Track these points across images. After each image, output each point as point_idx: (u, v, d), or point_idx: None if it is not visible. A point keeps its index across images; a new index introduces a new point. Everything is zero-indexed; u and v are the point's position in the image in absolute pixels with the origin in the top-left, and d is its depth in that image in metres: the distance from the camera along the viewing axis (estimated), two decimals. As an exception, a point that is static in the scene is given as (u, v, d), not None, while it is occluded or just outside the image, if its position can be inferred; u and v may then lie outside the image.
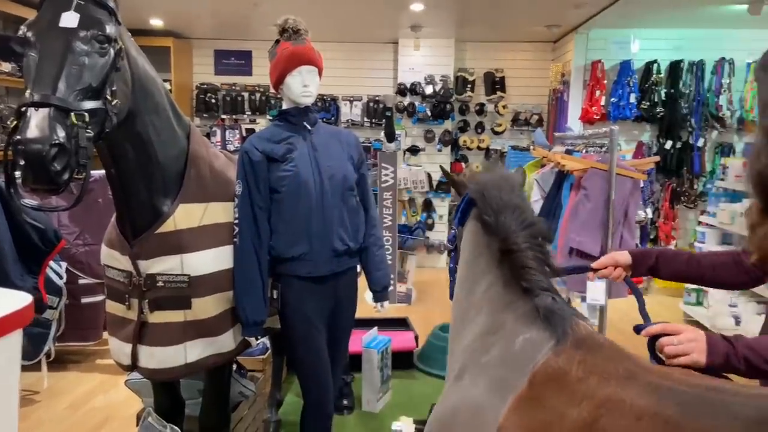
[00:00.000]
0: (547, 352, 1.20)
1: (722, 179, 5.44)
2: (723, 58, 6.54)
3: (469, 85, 7.56)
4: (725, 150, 6.67)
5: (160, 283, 2.08)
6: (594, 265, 1.70)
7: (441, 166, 2.40)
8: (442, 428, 1.38)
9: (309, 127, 2.30)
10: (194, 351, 2.14)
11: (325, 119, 7.46)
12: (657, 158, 4.71)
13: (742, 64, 6.53)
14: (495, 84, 7.61)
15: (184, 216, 2.11)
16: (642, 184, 6.62)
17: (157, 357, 2.12)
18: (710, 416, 0.97)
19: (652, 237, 6.88)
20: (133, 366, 2.17)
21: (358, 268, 2.49)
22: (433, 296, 6.31)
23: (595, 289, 2.63)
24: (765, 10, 5.35)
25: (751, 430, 0.93)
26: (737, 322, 4.70)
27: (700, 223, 5.70)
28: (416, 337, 4.24)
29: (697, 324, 5.28)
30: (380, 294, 2.53)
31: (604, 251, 2.67)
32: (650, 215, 6.80)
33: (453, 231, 1.66)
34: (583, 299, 2.71)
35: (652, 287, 6.63)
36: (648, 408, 1.02)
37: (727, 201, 5.25)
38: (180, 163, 2.13)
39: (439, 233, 7.68)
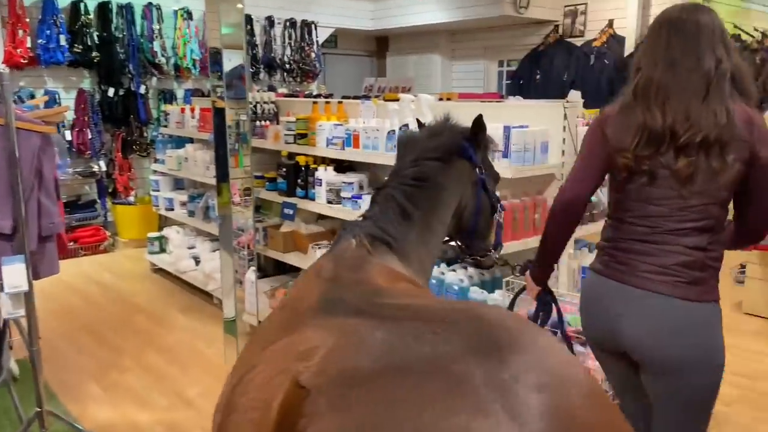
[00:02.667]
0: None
1: (165, 126, 5.51)
2: (150, 3, 6.54)
3: None
4: (167, 97, 6.82)
5: None
6: None
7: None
8: None
9: None
10: None
11: None
12: (66, 108, 4.34)
13: (170, 11, 6.69)
14: None
15: None
16: (74, 139, 6.10)
17: None
18: (328, 310, 1.09)
19: (110, 190, 6.56)
20: None
21: None
22: None
23: (13, 274, 2.12)
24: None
25: (320, 305, 1.10)
26: (197, 262, 4.95)
27: (155, 171, 5.69)
28: None
29: (162, 271, 5.35)
30: None
31: (17, 225, 2.16)
32: (104, 168, 6.44)
33: None
34: (1, 288, 2.16)
35: (118, 242, 6.37)
36: (304, 297, 1.19)
37: (173, 147, 5.36)
38: None
39: None
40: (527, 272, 1.95)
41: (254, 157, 4.28)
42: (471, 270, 2.87)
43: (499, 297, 2.61)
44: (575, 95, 3.07)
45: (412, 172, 1.51)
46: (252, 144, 4.16)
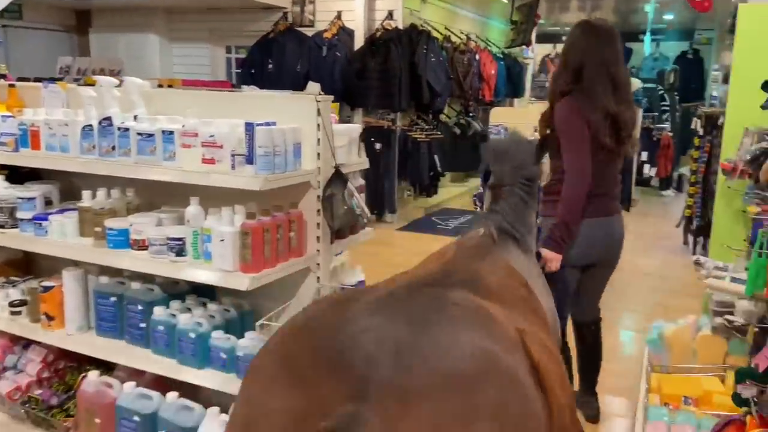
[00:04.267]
0: None
1: None
2: None
3: None
4: None
5: None
6: None
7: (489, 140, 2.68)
8: None
9: None
10: None
11: None
12: None
13: None
14: None
15: None
16: None
17: None
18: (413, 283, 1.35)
19: None
20: None
21: None
22: None
23: None
24: None
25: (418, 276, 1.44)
26: None
27: None
28: None
29: None
30: None
31: None
32: None
33: (480, 191, 2.24)
34: None
35: None
36: (416, 271, 1.52)
37: None
38: None
39: None
40: (547, 250, 2.30)
41: None
42: (212, 307, 2.23)
43: (250, 342, 2.05)
44: (314, 87, 2.65)
45: (526, 173, 1.85)
46: None
